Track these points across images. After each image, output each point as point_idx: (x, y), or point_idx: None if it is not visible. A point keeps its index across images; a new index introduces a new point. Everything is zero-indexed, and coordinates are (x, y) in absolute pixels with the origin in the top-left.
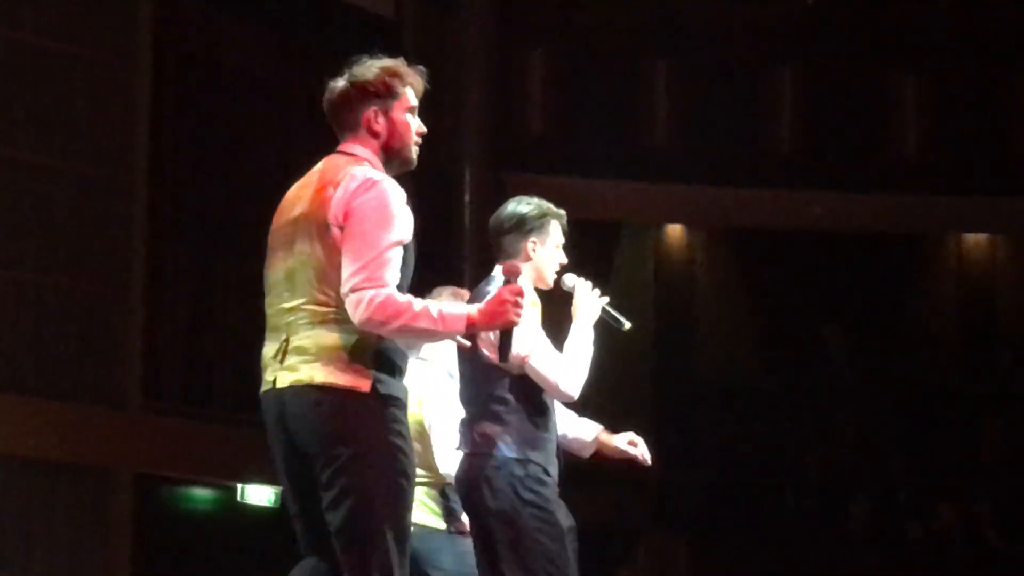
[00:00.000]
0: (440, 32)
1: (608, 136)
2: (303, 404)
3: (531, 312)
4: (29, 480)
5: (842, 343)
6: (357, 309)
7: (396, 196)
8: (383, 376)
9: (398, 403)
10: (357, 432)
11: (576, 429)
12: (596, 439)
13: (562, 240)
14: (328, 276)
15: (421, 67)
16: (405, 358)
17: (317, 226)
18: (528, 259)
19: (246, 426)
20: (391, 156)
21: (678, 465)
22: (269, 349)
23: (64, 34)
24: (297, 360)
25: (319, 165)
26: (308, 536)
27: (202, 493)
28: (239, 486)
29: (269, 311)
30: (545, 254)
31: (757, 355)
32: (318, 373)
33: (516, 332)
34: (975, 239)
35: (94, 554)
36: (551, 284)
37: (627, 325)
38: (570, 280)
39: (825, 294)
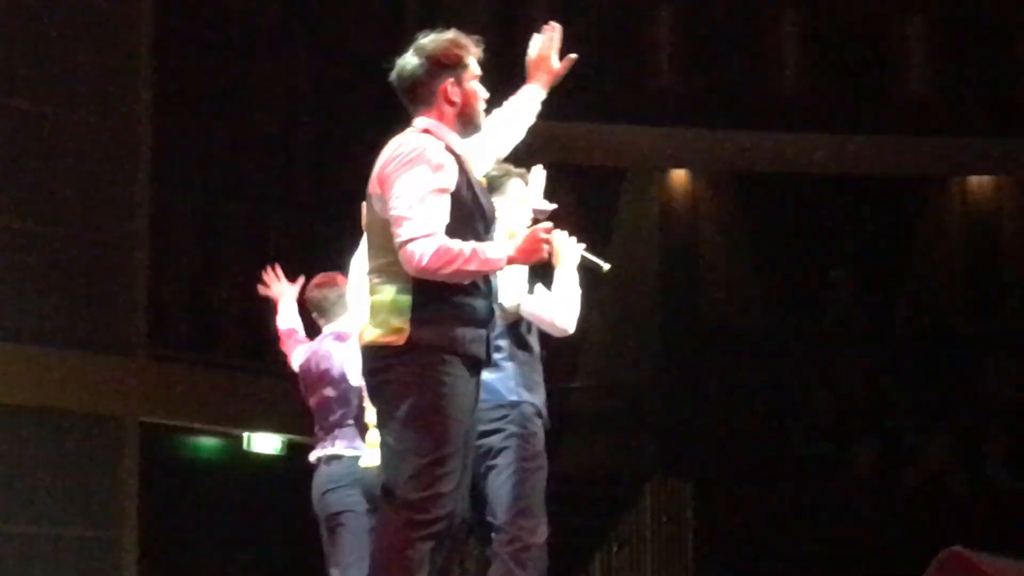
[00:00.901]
0: None
1: (612, 81)
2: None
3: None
4: (36, 429)
5: (847, 286)
6: (412, 260)
7: (431, 150)
8: (425, 330)
9: (439, 351)
10: (387, 383)
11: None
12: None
13: (525, 196)
14: (375, 243)
15: (477, 36)
16: (451, 305)
17: (367, 201)
18: None
19: (252, 374)
20: (466, 123)
21: (684, 409)
22: None
23: None
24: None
25: None
26: None
27: (208, 441)
28: (245, 434)
29: None
30: (504, 214)
31: (762, 299)
32: (365, 333)
33: (520, 274)
34: (980, 181)
35: (101, 502)
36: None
37: (606, 267)
38: (544, 205)
39: (830, 237)
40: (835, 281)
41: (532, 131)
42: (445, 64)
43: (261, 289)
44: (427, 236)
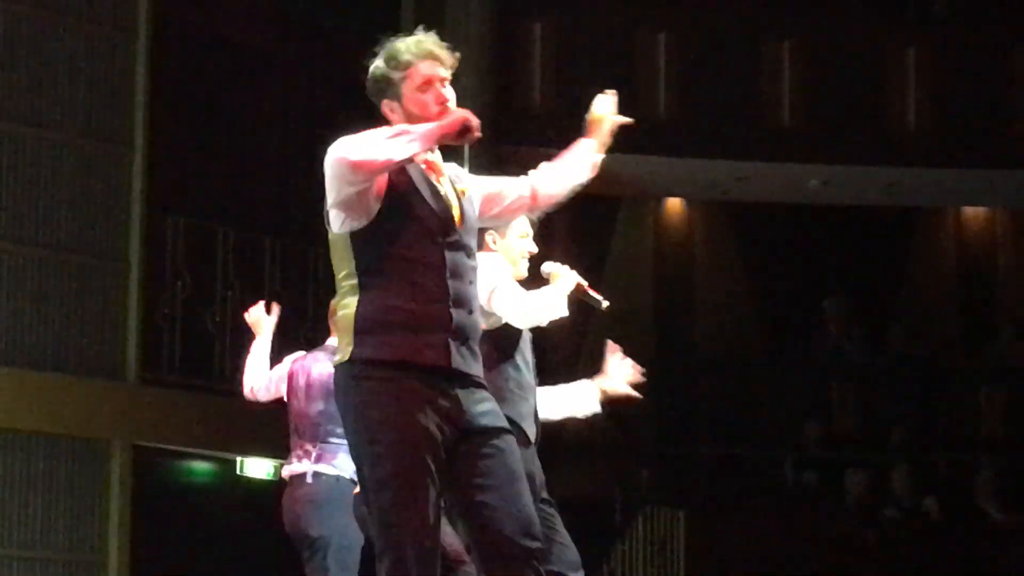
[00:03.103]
0: (439, 4)
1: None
2: None
3: (502, 266)
4: (27, 452)
5: (841, 316)
6: (340, 164)
7: (342, 141)
8: (366, 344)
9: (380, 364)
10: (342, 407)
11: (574, 394)
12: (598, 389)
13: (526, 231)
14: (334, 259)
15: (424, 32)
16: (395, 311)
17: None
18: (490, 250)
19: (245, 399)
20: None
21: (677, 438)
22: None
23: (63, 5)
24: None
25: None
26: None
27: (201, 466)
28: (238, 459)
29: None
30: (506, 244)
31: (756, 328)
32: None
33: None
34: (974, 212)
35: (92, 526)
36: (524, 273)
37: (604, 304)
38: (548, 267)
39: (824, 267)
40: (829, 311)
41: (527, 160)
42: (379, 89)
43: (248, 318)
44: (347, 145)
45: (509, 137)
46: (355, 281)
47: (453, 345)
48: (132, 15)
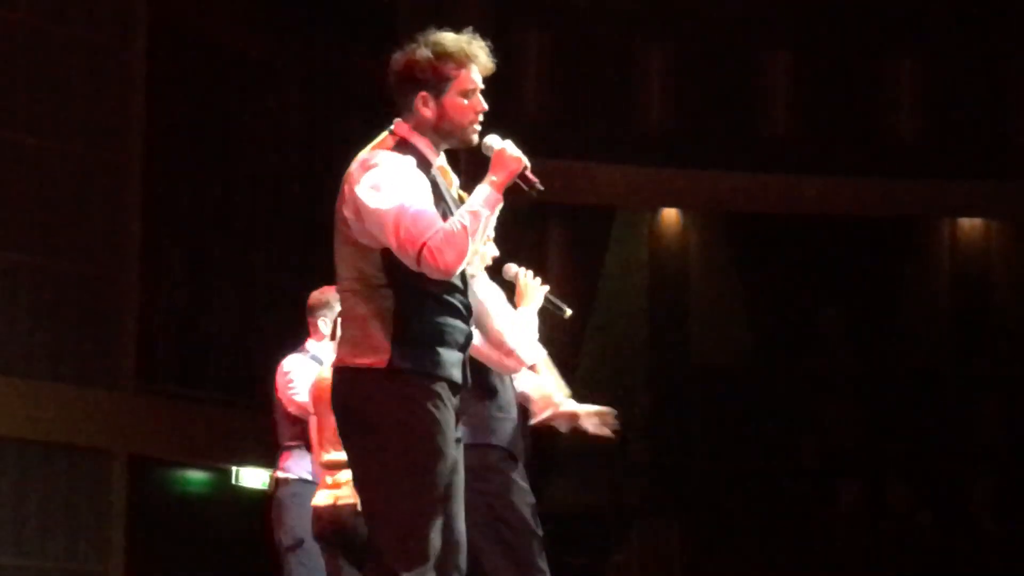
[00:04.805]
0: (436, 13)
1: (604, 120)
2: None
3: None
4: (24, 461)
5: (837, 327)
6: (434, 267)
7: (393, 168)
8: (405, 355)
9: (422, 377)
10: (364, 413)
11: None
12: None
13: (490, 234)
14: (346, 259)
15: (483, 43)
16: (432, 324)
17: (336, 217)
18: None
19: (241, 408)
20: (444, 135)
21: (672, 449)
22: None
23: (60, 15)
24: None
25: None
26: None
27: (197, 475)
28: (233, 468)
29: None
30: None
31: (751, 339)
32: (344, 353)
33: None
34: (970, 223)
35: (89, 536)
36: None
37: (568, 312)
38: (513, 269)
39: (820, 278)
40: (824, 322)
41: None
42: (419, 78)
43: None
44: (430, 239)
45: None
46: (378, 285)
47: (465, 363)
48: (130, 24)
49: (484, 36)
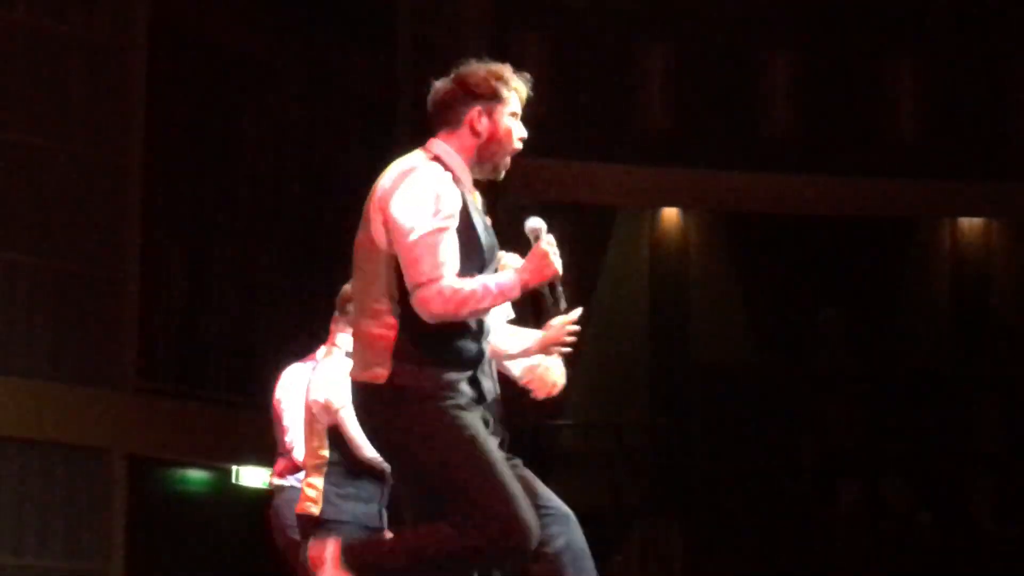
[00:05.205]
0: (436, 14)
1: (604, 120)
2: None
3: None
4: (24, 461)
5: (837, 327)
6: (424, 308)
7: (429, 182)
8: (401, 367)
9: (420, 395)
10: (372, 428)
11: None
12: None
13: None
14: (362, 266)
15: (527, 74)
16: (433, 347)
17: (363, 218)
18: None
19: (241, 408)
20: (484, 158)
21: (672, 448)
22: None
23: (60, 15)
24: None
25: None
26: None
27: (197, 475)
28: (234, 468)
29: None
30: None
31: (752, 339)
32: (358, 366)
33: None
34: (970, 223)
35: (89, 535)
36: None
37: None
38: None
39: (820, 278)
40: (824, 322)
41: (525, 170)
42: (476, 92)
43: None
44: (433, 281)
45: None
46: (388, 297)
47: (477, 379)
48: (130, 24)
49: (484, 36)
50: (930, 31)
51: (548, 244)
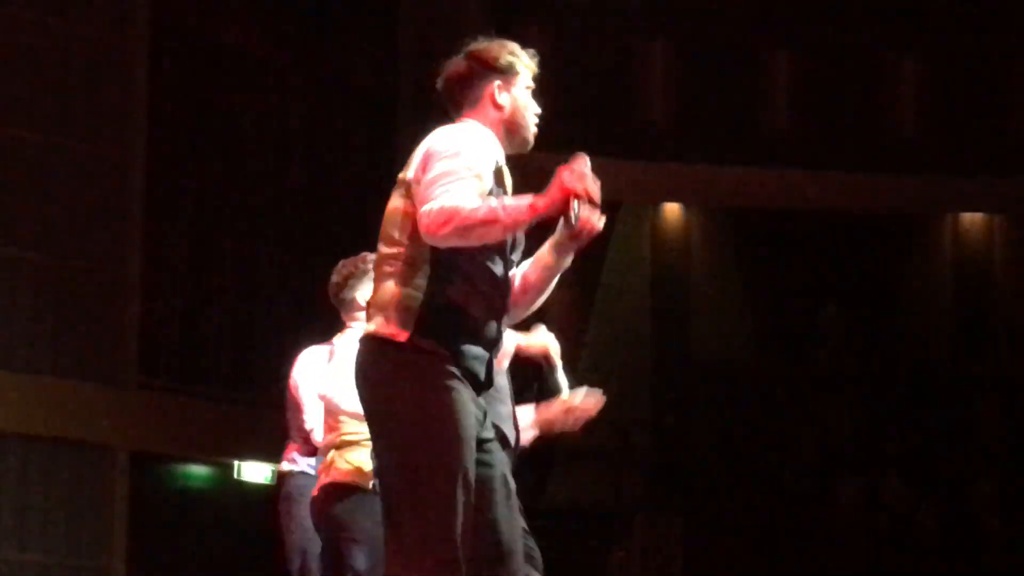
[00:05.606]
0: (436, 10)
1: (605, 115)
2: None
3: None
4: (26, 457)
5: (838, 323)
6: (428, 232)
7: (474, 134)
8: (428, 333)
9: (444, 359)
10: (386, 381)
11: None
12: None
13: None
14: (387, 231)
15: (533, 50)
16: (457, 314)
17: (398, 185)
18: None
19: (242, 404)
20: (512, 132)
21: (673, 444)
22: None
23: (61, 11)
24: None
25: None
26: None
27: (199, 470)
28: (235, 463)
29: None
30: None
31: (753, 335)
32: (370, 323)
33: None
34: (971, 219)
35: (91, 530)
36: None
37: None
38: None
39: (821, 274)
40: (825, 318)
41: (527, 165)
42: (493, 66)
43: None
44: (434, 200)
45: None
46: (418, 260)
47: (490, 362)
48: (131, 21)
49: (484, 34)
50: (931, 27)
51: (582, 167)
